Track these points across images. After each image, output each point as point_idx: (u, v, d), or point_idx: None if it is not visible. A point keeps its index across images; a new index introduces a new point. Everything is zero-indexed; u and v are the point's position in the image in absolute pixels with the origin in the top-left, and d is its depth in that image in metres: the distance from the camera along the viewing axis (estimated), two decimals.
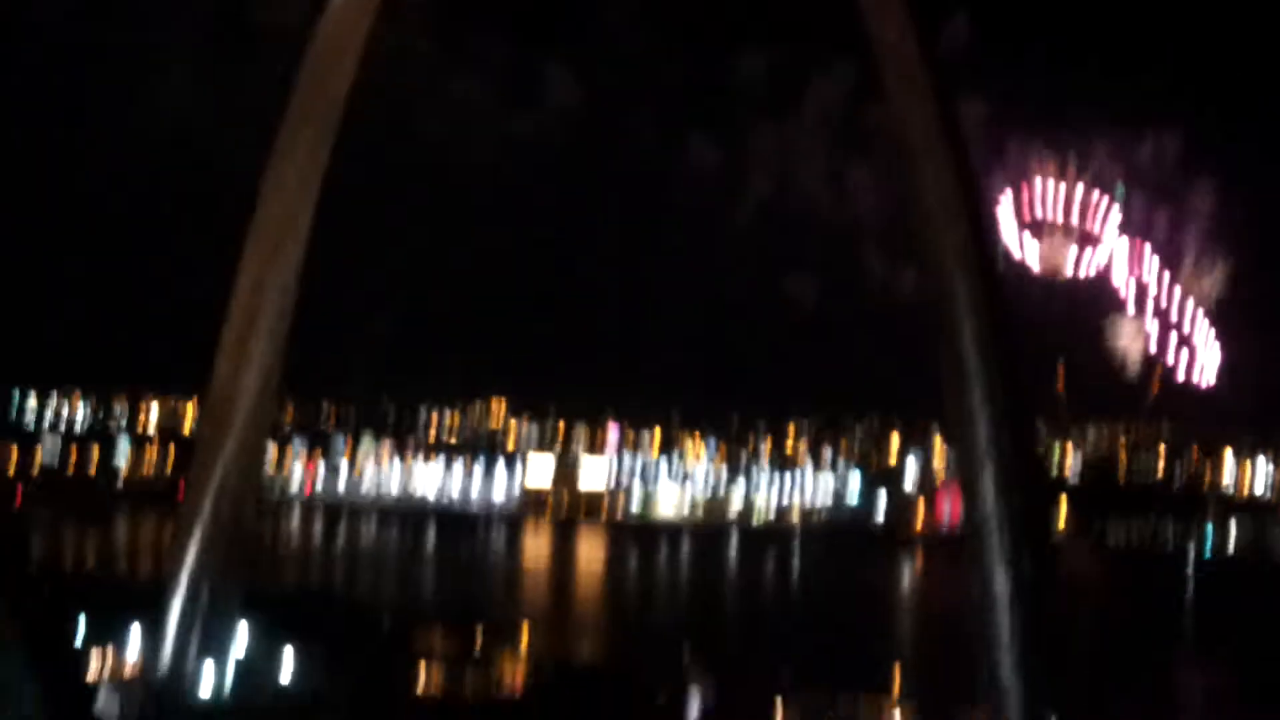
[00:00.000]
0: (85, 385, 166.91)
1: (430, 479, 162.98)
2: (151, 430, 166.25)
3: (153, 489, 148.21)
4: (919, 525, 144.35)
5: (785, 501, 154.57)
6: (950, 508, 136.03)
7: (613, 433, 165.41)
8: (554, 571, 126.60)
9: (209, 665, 46.76)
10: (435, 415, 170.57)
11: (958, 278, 42.52)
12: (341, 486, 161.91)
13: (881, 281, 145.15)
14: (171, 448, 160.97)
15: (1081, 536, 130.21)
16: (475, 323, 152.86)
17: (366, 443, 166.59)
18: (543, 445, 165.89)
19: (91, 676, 44.65)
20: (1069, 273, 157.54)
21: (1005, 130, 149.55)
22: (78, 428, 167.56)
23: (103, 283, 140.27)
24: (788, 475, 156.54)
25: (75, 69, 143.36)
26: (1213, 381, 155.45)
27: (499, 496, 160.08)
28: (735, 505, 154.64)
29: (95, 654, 47.36)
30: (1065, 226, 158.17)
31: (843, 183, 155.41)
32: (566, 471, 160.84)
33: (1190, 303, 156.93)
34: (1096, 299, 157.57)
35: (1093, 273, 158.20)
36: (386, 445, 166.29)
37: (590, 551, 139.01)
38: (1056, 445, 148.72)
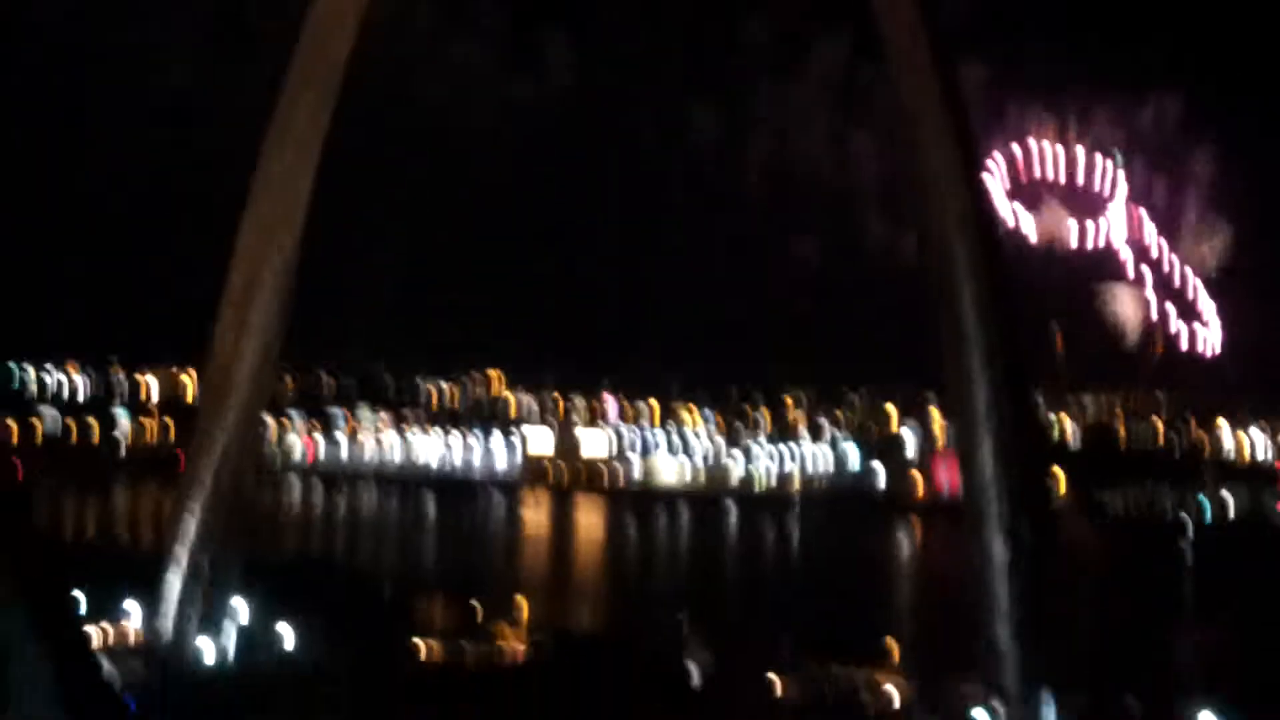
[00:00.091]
0: (84, 358, 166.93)
1: (431, 448, 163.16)
2: (154, 398, 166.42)
3: (156, 456, 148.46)
4: (919, 492, 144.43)
5: (785, 470, 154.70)
6: (950, 475, 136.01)
7: (610, 404, 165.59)
8: (554, 540, 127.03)
9: (210, 634, 46.91)
10: (433, 388, 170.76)
11: (957, 242, 42.51)
12: (343, 455, 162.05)
13: (883, 248, 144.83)
14: (170, 421, 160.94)
15: (1078, 504, 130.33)
16: (472, 293, 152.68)
17: (366, 413, 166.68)
18: (542, 416, 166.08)
19: (94, 645, 44.73)
20: (1068, 240, 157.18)
21: (1005, 96, 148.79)
22: (80, 398, 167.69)
23: (101, 258, 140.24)
24: (787, 445, 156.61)
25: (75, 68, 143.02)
26: (1214, 349, 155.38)
27: (500, 465, 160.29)
28: (735, 474, 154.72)
29: (97, 623, 47.51)
30: (1064, 193, 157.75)
31: (845, 149, 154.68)
32: (566, 442, 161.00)
33: (1190, 270, 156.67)
34: (1096, 266, 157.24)
35: (1092, 240, 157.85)
36: (386, 416, 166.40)
37: (589, 519, 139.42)
38: (1055, 413, 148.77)
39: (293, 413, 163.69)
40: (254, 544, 51.92)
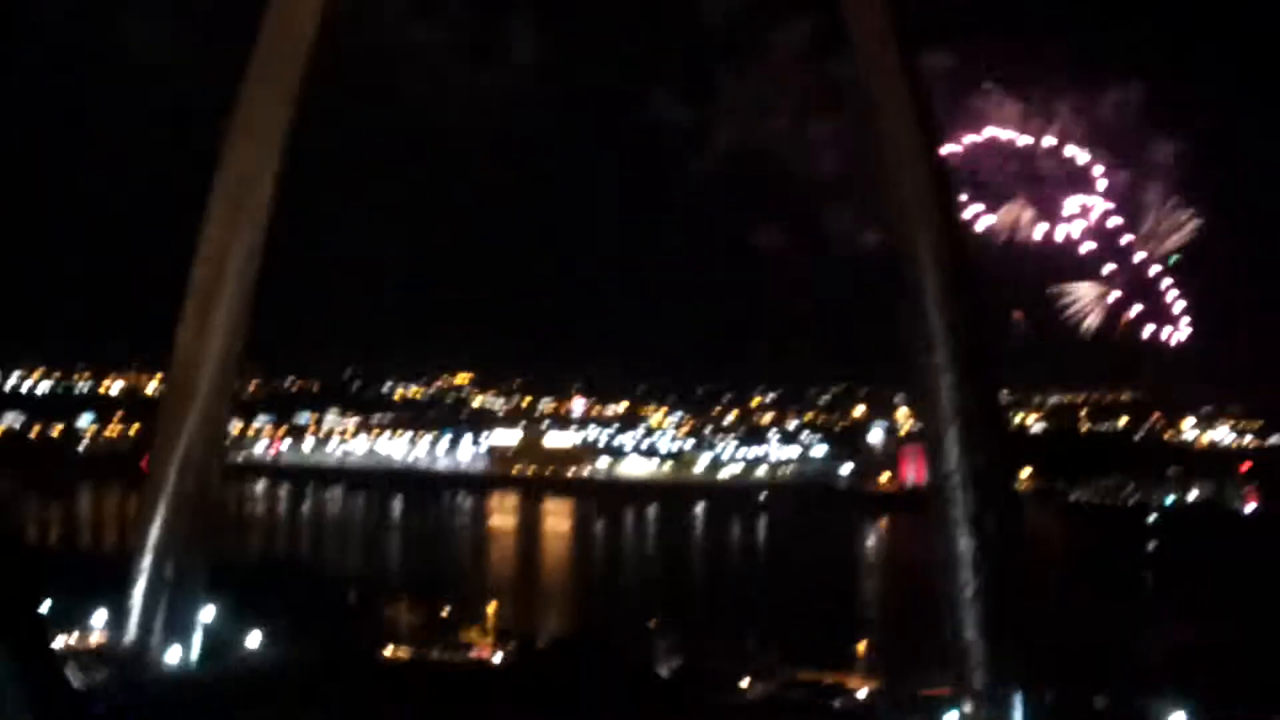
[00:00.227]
0: (49, 361, 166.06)
1: (399, 449, 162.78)
2: (114, 393, 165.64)
3: (117, 453, 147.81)
4: (884, 484, 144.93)
5: (752, 465, 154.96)
6: (916, 468, 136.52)
7: (579, 404, 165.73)
8: (522, 540, 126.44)
9: (176, 639, 46.47)
10: (401, 390, 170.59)
11: (920, 230, 42.48)
12: (310, 456, 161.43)
13: (847, 239, 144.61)
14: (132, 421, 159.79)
15: (1044, 493, 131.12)
16: (440, 297, 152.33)
17: (332, 414, 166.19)
18: (510, 417, 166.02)
19: (59, 648, 44.25)
20: (1031, 231, 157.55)
21: (968, 84, 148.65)
22: (39, 396, 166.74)
23: (101, 258, 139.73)
24: (754, 442, 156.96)
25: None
26: (1179, 339, 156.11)
27: (466, 463, 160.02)
28: (701, 471, 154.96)
29: (62, 627, 46.96)
30: (1027, 184, 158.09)
31: (809, 138, 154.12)
32: (533, 441, 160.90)
33: (1154, 261, 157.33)
34: (1059, 257, 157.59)
35: (1056, 231, 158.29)
36: (352, 417, 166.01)
37: (557, 519, 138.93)
38: (1019, 403, 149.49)
39: (260, 414, 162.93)
40: (220, 547, 51.46)
